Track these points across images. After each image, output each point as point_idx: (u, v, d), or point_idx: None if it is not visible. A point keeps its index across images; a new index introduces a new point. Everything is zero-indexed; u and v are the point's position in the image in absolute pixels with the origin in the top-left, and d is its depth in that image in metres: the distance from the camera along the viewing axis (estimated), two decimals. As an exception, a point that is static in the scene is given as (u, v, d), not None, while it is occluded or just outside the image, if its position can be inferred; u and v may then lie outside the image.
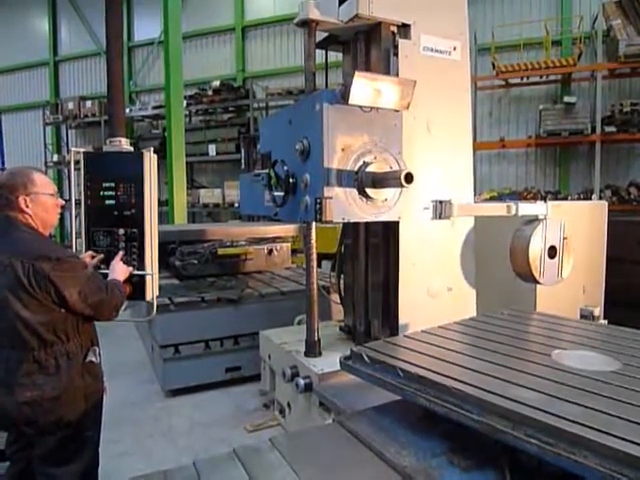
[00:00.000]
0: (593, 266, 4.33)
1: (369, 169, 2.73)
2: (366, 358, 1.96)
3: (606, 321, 3.68)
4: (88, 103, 14.47)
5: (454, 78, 3.21)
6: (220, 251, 5.21)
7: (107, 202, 2.46)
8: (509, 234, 4.25)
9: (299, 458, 1.57)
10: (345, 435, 1.75)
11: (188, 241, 5.35)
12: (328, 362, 2.99)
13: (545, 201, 3.29)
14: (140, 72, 15.28)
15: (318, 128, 2.67)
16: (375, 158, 2.79)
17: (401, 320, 3.07)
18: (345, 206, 2.74)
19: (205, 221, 13.64)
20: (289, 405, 3.33)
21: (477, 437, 1.58)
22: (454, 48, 3.20)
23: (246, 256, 5.47)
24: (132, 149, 2.62)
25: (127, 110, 13.22)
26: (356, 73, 2.53)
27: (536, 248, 3.15)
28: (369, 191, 2.76)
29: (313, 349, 3.13)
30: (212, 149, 12.87)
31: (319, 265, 6.91)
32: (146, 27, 14.74)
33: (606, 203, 4.53)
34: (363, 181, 2.74)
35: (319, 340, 3.17)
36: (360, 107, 2.71)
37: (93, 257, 2.46)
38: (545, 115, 9.92)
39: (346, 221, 2.81)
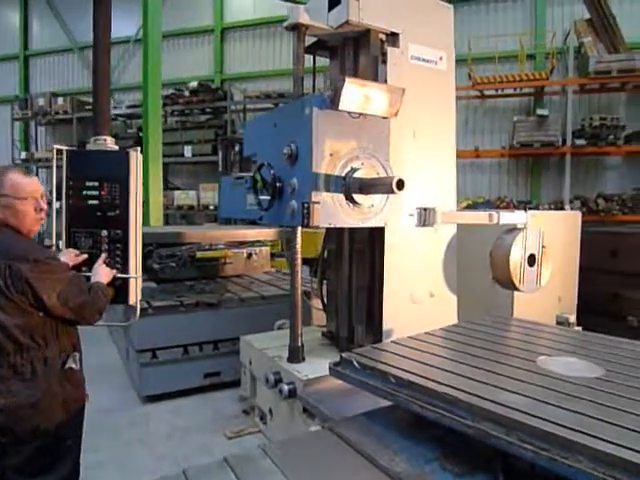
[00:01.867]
0: (567, 274, 4.45)
1: (356, 175, 2.75)
2: (356, 364, 1.95)
3: (580, 327, 3.79)
4: (60, 100, 14.13)
5: (440, 87, 3.26)
6: (199, 254, 5.14)
7: (90, 202, 2.38)
8: (486, 242, 4.33)
9: (292, 465, 1.55)
10: (336, 441, 1.74)
11: (166, 244, 5.25)
12: (312, 368, 2.97)
13: (525, 210, 3.37)
14: (115, 70, 14.98)
15: (307, 132, 2.66)
16: (362, 164, 2.81)
17: (385, 326, 3.08)
18: (332, 211, 2.74)
19: (179, 223, 13.43)
20: (271, 411, 3.30)
21: (468, 442, 1.59)
22: (440, 58, 3.25)
23: (225, 260, 5.42)
24: (117, 148, 2.56)
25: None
26: (347, 79, 2.53)
27: (516, 256, 3.21)
28: (356, 197, 2.77)
29: (296, 355, 3.11)
30: (188, 150, 12.74)
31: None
32: (122, 25, 14.46)
33: (579, 213, 4.67)
34: (350, 187, 2.75)
35: (302, 346, 3.14)
36: (349, 113, 2.72)
37: (77, 256, 2.37)
38: (518, 127, 10.18)
39: (332, 226, 2.80)
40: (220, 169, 10.85)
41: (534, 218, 3.69)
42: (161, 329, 4.01)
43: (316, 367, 2.98)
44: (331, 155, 2.71)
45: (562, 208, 9.62)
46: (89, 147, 2.52)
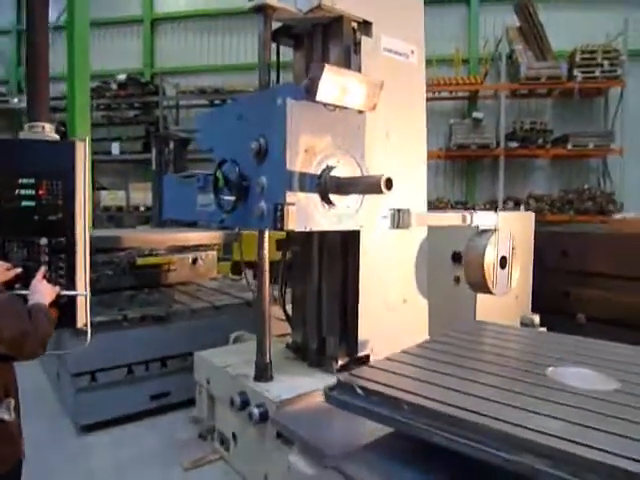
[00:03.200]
0: (523, 274, 4.48)
1: (334, 173, 2.51)
2: (358, 390, 1.71)
3: (545, 328, 3.79)
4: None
5: (412, 82, 3.11)
6: (140, 261, 4.65)
7: (24, 203, 1.94)
8: (448, 244, 4.27)
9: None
10: (346, 484, 1.49)
11: (100, 249, 4.70)
12: (283, 387, 2.69)
13: (496, 211, 3.29)
14: (30, 59, 13.67)
15: (280, 126, 2.38)
16: (339, 161, 2.57)
17: (360, 336, 2.87)
18: (307, 213, 2.47)
19: (106, 226, 12.42)
20: (234, 436, 2.97)
21: (483, 468, 1.40)
22: (412, 52, 3.09)
23: (169, 266, 4.96)
24: (58, 137, 2.12)
25: (15, 100, 11.82)
26: (325, 66, 2.28)
27: (490, 259, 3.12)
28: (332, 197, 2.53)
29: (264, 372, 2.80)
30: (115, 148, 11.85)
31: (240, 273, 6.49)
32: (38, 10, 13.24)
33: (533, 214, 4.73)
34: (327, 186, 2.50)
35: (271, 362, 2.85)
36: (325, 105, 2.47)
37: (8, 270, 1.92)
38: (455, 129, 10.41)
39: (308, 230, 2.53)
40: (154, 167, 10.19)
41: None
42: (101, 348, 3.49)
43: (287, 385, 2.71)
44: (306, 151, 2.45)
45: (496, 208, 9.94)
46: (22, 136, 2.07)
